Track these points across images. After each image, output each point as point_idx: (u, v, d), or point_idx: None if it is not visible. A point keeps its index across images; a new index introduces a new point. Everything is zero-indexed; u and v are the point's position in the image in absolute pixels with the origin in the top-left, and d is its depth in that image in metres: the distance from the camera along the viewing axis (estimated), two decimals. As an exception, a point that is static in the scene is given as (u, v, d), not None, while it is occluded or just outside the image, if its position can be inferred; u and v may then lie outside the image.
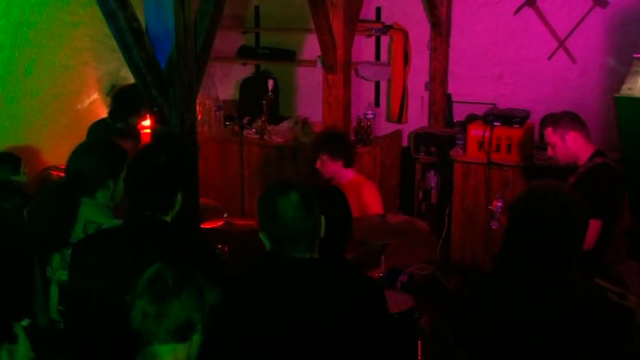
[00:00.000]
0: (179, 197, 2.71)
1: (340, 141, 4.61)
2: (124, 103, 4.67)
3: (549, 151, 4.10)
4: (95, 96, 5.69)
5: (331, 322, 2.26)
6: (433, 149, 5.91)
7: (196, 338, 2.14)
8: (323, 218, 2.36)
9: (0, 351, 2.25)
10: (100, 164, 2.95)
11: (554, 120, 4.03)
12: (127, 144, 3.58)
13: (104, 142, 3.28)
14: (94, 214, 2.89)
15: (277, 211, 2.27)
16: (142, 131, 4.64)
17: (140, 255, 2.45)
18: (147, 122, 4.78)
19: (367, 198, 4.45)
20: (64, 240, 2.84)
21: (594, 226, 3.74)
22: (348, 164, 4.54)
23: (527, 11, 5.95)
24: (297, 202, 2.27)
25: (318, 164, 4.53)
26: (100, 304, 2.52)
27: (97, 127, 4.74)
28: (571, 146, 3.94)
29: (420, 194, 6.08)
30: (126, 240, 2.62)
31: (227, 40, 6.65)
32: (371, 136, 5.85)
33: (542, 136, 5.51)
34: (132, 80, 4.51)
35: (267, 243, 2.34)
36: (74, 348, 2.70)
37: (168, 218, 2.68)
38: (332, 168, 4.50)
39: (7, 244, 3.20)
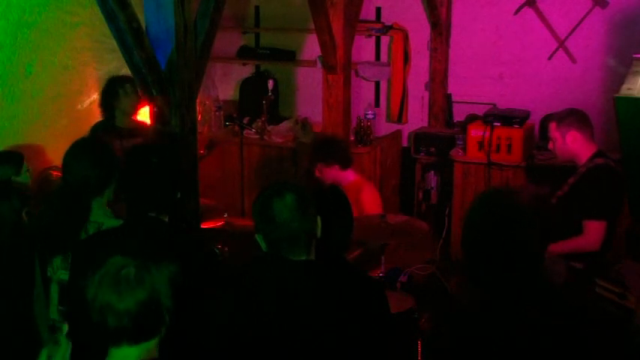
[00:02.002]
0: (176, 197, 2.72)
1: (330, 146, 4.60)
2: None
3: (550, 145, 4.10)
4: (95, 96, 5.68)
5: (329, 323, 2.25)
6: (433, 149, 5.91)
7: (164, 330, 2.09)
8: (319, 219, 2.34)
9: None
10: (106, 167, 2.96)
11: (559, 116, 4.03)
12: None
13: (95, 141, 3.28)
14: (95, 213, 2.90)
15: (272, 212, 2.25)
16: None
17: (141, 255, 2.45)
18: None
19: (366, 200, 4.44)
20: (72, 243, 2.83)
21: (599, 227, 3.74)
22: (344, 166, 4.54)
23: (527, 11, 5.95)
24: (292, 203, 2.25)
25: (317, 173, 4.54)
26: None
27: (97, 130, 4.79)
28: (570, 145, 3.94)
29: (420, 194, 6.07)
30: (126, 240, 2.62)
31: (227, 40, 6.66)
32: (371, 137, 5.84)
33: (542, 135, 5.55)
34: (132, 80, 4.53)
35: (263, 245, 2.33)
36: (75, 348, 2.70)
37: (165, 218, 2.69)
38: (330, 174, 4.50)
39: (5, 246, 3.20)
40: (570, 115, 4.00)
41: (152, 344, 2.07)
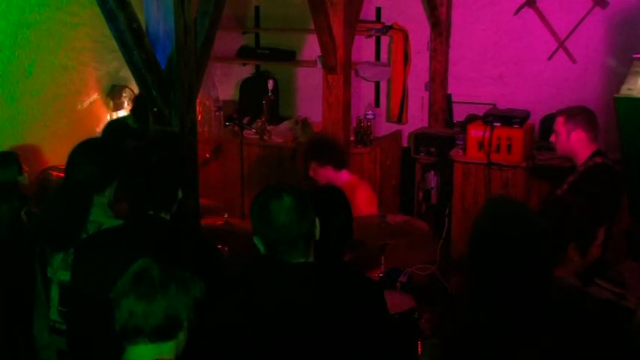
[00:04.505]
0: (178, 195, 2.72)
1: (324, 146, 4.58)
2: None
3: (552, 137, 4.09)
4: (95, 96, 5.69)
5: (329, 325, 2.24)
6: (433, 149, 5.91)
7: (182, 336, 2.11)
8: (318, 220, 2.33)
9: None
10: (113, 163, 2.98)
11: (569, 112, 4.02)
12: None
13: (107, 142, 3.31)
14: (95, 213, 2.90)
15: (270, 214, 2.24)
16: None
17: (143, 255, 2.45)
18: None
19: (360, 200, 4.42)
20: (74, 240, 2.84)
21: None
22: (338, 167, 4.52)
23: (527, 11, 5.95)
24: (290, 205, 2.24)
25: (310, 173, 4.53)
26: (103, 305, 2.51)
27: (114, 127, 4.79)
28: (573, 143, 3.94)
29: (420, 194, 6.07)
30: (128, 239, 2.62)
31: (227, 40, 6.66)
32: (371, 137, 5.84)
33: (542, 135, 5.54)
34: (132, 80, 4.53)
35: (261, 247, 2.31)
36: (76, 349, 2.70)
37: (167, 217, 2.69)
38: (324, 174, 4.49)
39: (4, 246, 3.21)
40: (580, 114, 3.99)
41: (168, 346, 2.08)
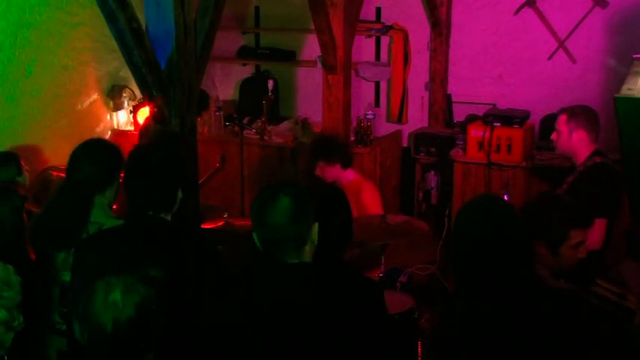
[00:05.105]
0: (178, 195, 2.72)
1: (333, 144, 4.59)
2: None
3: (553, 135, 4.09)
4: (95, 96, 5.70)
5: (328, 325, 2.24)
6: (433, 149, 5.91)
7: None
8: (317, 225, 2.32)
9: None
10: (114, 164, 2.99)
11: (572, 111, 4.02)
12: None
13: (107, 142, 3.32)
14: (96, 214, 2.90)
15: (265, 214, 2.25)
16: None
17: (144, 255, 2.44)
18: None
19: (366, 199, 4.44)
20: (75, 240, 2.84)
21: (600, 224, 3.73)
22: (345, 165, 4.54)
23: (527, 11, 5.95)
24: (285, 207, 2.23)
25: (317, 171, 4.53)
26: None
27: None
28: (574, 143, 3.94)
29: (420, 194, 6.07)
30: (128, 240, 2.61)
31: (227, 40, 6.66)
32: (371, 137, 5.84)
33: (542, 135, 5.54)
34: (132, 80, 4.54)
35: (258, 244, 2.33)
36: (76, 350, 2.70)
37: (168, 217, 2.70)
38: (331, 172, 4.50)
39: (6, 246, 3.20)
40: (583, 114, 3.99)
41: None
